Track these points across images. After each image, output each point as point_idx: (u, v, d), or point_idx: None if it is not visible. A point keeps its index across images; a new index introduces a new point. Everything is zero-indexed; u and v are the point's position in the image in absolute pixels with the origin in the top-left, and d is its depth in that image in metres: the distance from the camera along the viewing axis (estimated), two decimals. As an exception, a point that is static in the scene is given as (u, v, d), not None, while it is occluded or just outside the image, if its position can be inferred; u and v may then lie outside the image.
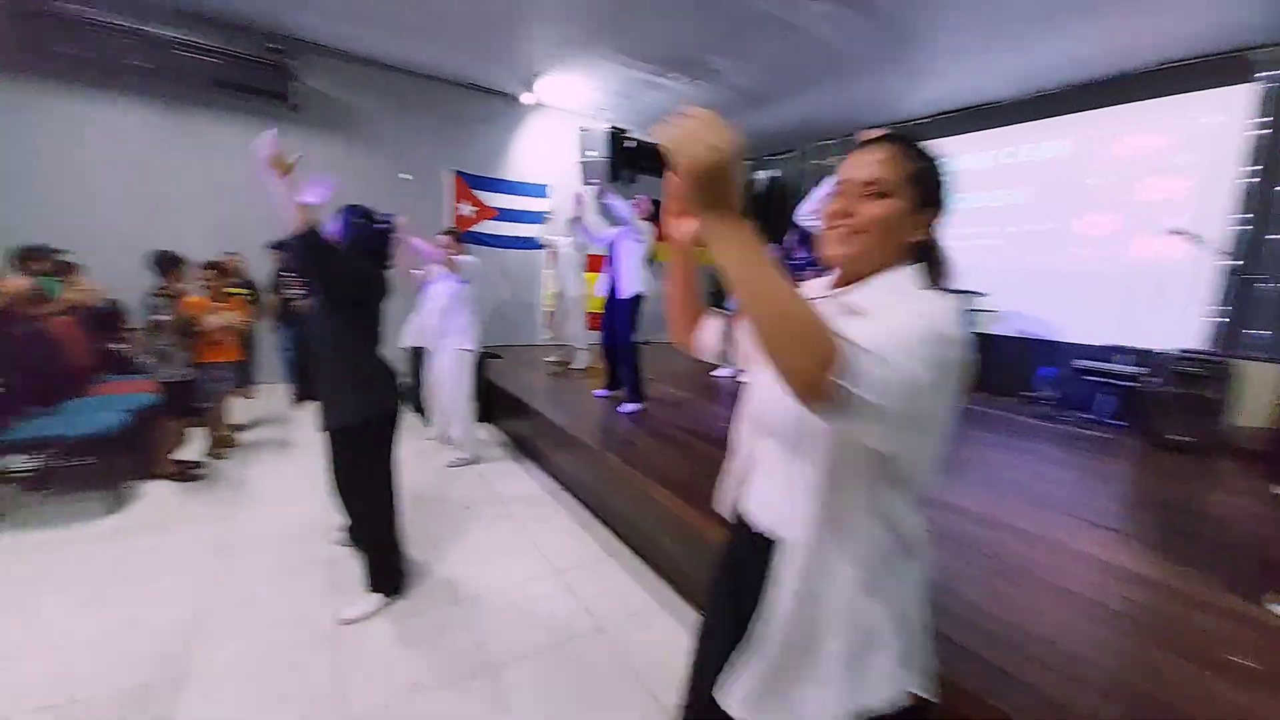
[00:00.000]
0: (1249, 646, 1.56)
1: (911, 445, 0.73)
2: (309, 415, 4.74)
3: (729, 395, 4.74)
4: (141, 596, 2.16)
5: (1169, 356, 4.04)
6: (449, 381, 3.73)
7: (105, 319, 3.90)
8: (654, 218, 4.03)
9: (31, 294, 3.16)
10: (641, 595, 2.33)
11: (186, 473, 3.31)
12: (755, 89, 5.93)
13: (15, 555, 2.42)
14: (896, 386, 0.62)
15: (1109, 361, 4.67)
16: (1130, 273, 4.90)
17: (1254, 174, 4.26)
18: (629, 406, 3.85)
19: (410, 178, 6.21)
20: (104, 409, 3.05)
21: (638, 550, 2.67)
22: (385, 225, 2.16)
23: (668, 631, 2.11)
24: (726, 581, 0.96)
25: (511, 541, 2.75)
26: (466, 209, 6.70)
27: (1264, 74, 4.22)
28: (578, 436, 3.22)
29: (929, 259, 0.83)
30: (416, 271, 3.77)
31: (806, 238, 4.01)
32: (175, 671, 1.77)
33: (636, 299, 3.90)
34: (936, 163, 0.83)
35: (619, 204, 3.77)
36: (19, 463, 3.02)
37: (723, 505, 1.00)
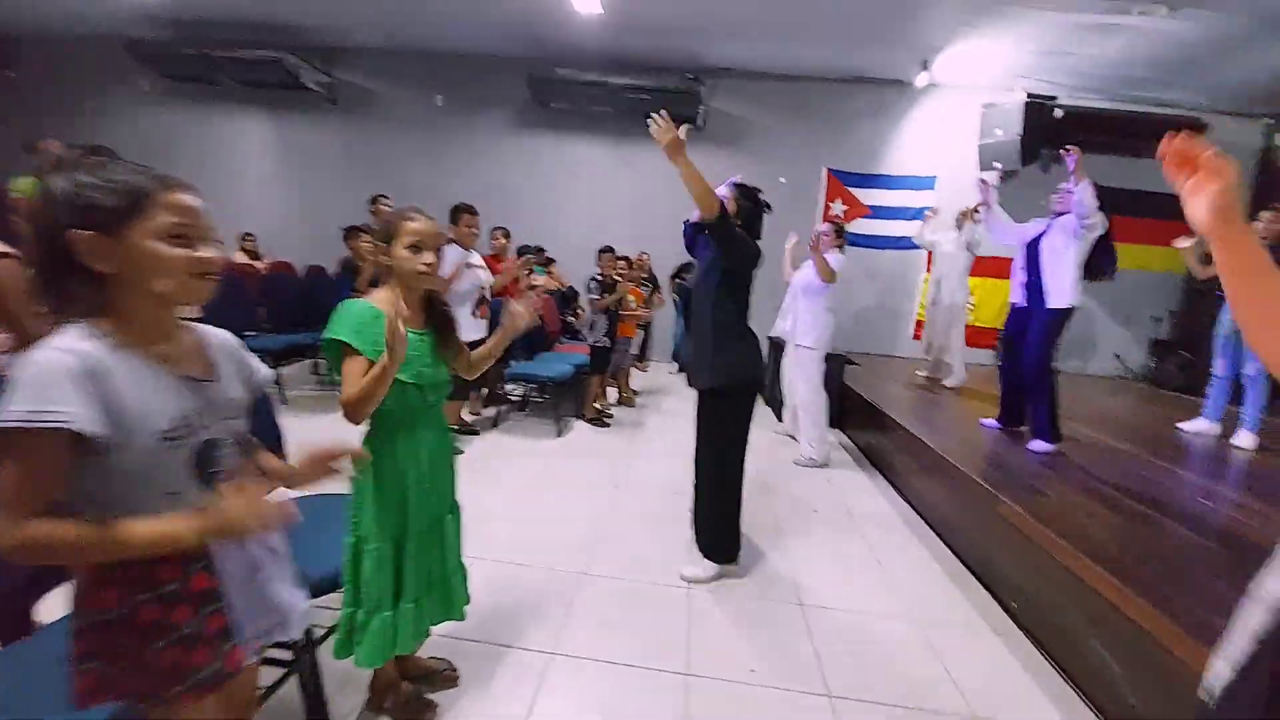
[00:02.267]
0: None
1: None
2: (686, 389, 5.52)
3: (1204, 458, 3.24)
4: (563, 501, 2.88)
5: None
6: (799, 378, 3.69)
7: (566, 298, 5.37)
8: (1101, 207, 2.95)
9: (528, 269, 4.60)
10: (1044, 704, 1.74)
11: (601, 419, 4.26)
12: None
13: (502, 451, 3.57)
14: None
15: None
16: None
17: None
18: (1040, 445, 3.00)
19: (785, 181, 6.39)
20: (560, 362, 4.18)
21: (1035, 637, 2.03)
22: (764, 204, 2.30)
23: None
24: None
25: (861, 566, 2.49)
26: (838, 208, 6.52)
27: None
28: (956, 466, 2.68)
29: None
30: (789, 267, 3.83)
31: None
32: (579, 563, 2.26)
33: (1064, 313, 2.98)
34: None
35: (1082, 189, 2.86)
36: (512, 390, 4.50)
37: None
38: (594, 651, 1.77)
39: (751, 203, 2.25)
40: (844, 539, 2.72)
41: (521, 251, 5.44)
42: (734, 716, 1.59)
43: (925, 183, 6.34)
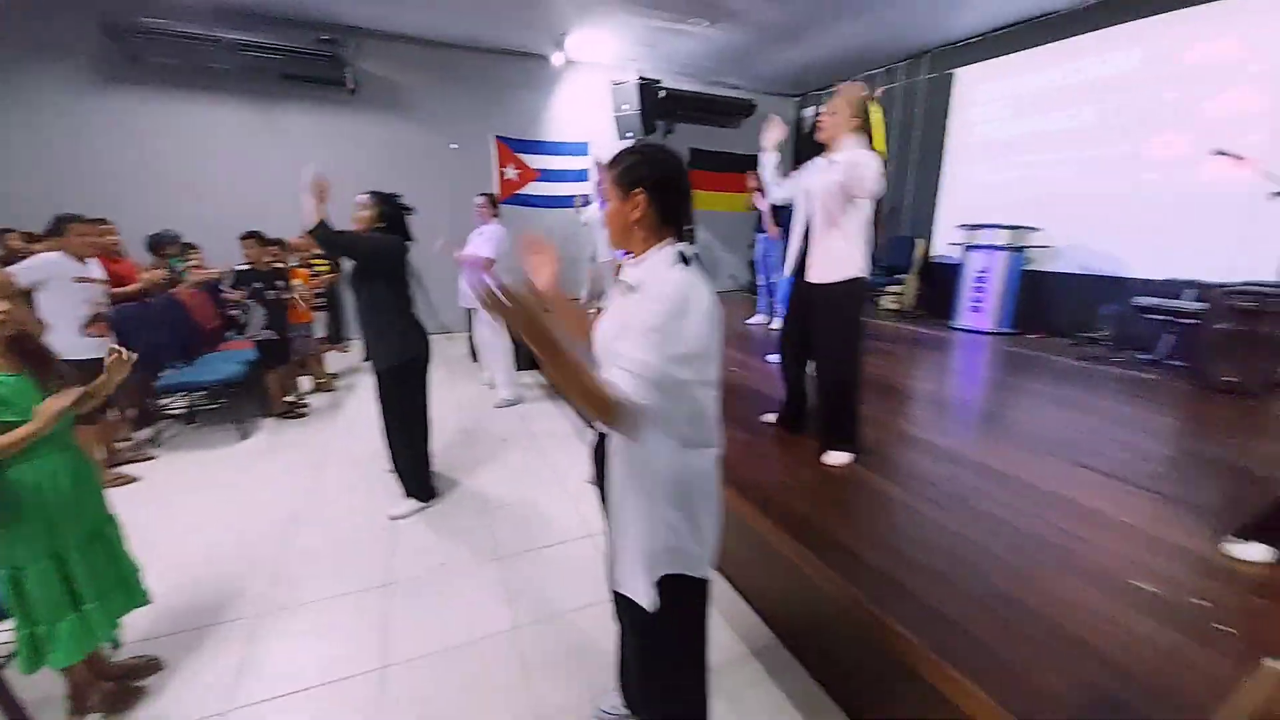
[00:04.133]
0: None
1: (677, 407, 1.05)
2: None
3: (761, 343, 4.98)
4: (257, 495, 2.96)
5: (1228, 290, 3.75)
6: (489, 335, 4.30)
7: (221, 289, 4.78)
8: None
9: (166, 277, 4.01)
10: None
11: (294, 411, 4.15)
12: (783, 23, 5.74)
13: (171, 469, 3.32)
14: (649, 384, 0.96)
15: (1176, 298, 4.39)
16: (1201, 198, 4.49)
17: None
18: None
19: (457, 147, 6.66)
20: (227, 362, 3.89)
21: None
22: (404, 207, 2.66)
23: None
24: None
25: (536, 469, 3.30)
26: (511, 172, 7.09)
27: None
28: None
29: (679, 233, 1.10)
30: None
31: None
32: (278, 543, 2.48)
33: None
34: (637, 152, 1.10)
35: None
36: (173, 403, 4.03)
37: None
38: (300, 597, 2.12)
39: (392, 207, 2.59)
40: (525, 456, 3.50)
41: (153, 242, 4.58)
42: (431, 602, 2.16)
43: (580, 148, 7.35)
